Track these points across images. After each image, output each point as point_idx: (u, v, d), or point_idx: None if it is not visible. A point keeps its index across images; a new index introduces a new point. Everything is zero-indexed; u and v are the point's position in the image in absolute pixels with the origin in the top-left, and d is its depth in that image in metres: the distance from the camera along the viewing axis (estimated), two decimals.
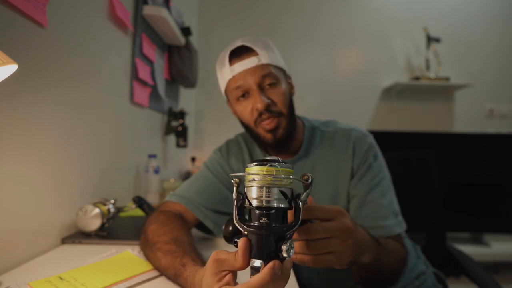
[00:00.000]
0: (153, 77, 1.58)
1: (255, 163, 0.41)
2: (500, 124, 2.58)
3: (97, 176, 1.07)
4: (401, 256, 0.75)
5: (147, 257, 0.65)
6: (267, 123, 0.78)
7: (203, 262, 0.55)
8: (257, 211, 0.41)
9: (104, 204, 0.88)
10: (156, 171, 1.45)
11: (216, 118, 2.61)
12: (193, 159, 2.29)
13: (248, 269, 0.41)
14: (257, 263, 0.40)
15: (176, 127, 1.88)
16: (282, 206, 0.41)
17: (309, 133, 0.88)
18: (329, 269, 0.85)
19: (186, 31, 1.86)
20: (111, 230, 0.90)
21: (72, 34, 0.90)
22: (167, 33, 1.65)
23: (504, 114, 2.59)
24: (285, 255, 0.39)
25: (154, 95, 1.63)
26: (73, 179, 0.92)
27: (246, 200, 0.43)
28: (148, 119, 1.60)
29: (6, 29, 0.66)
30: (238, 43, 0.80)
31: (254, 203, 0.41)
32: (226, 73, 0.80)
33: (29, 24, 0.72)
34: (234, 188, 0.43)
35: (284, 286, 0.40)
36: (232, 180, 0.44)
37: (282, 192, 0.41)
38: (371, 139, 0.85)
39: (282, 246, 0.40)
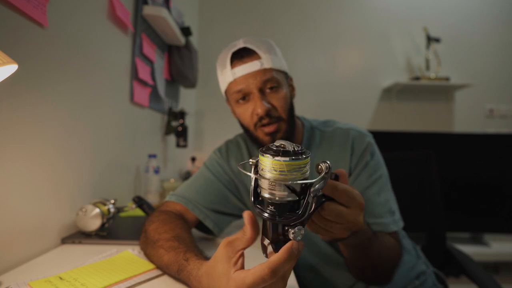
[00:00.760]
0: (153, 77, 1.58)
1: (264, 152, 0.40)
2: (500, 124, 2.58)
3: (97, 176, 1.07)
4: (396, 251, 0.74)
5: (148, 255, 0.65)
6: (267, 128, 0.78)
7: (206, 258, 0.55)
8: (265, 199, 0.42)
9: (104, 204, 0.88)
10: (156, 171, 1.45)
11: (216, 118, 2.61)
12: (193, 159, 2.29)
13: (255, 256, 0.46)
14: (266, 241, 0.44)
15: (176, 127, 1.88)
16: (288, 199, 0.41)
17: (308, 133, 0.88)
18: (329, 270, 0.85)
19: (186, 31, 1.86)
20: (111, 230, 0.90)
21: (72, 34, 0.90)
22: (167, 33, 1.65)
23: (504, 114, 2.59)
24: (291, 238, 0.41)
25: (154, 95, 1.63)
26: (73, 179, 0.92)
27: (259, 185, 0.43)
28: (148, 119, 1.60)
29: (6, 29, 0.65)
30: (240, 44, 0.79)
31: (263, 192, 0.42)
32: (227, 75, 0.79)
33: (29, 24, 0.72)
34: (252, 169, 0.44)
35: (292, 266, 0.43)
36: (249, 162, 0.44)
37: (288, 187, 0.40)
38: (369, 138, 0.85)
39: (289, 232, 0.41)
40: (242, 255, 0.45)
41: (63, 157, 0.87)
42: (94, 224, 0.85)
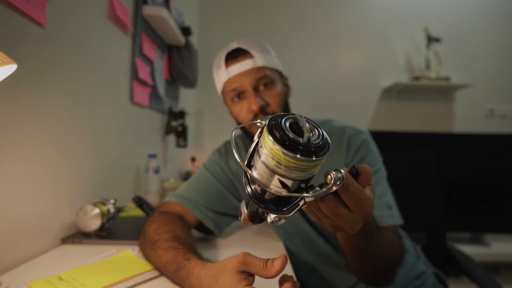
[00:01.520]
0: (153, 77, 1.58)
1: (270, 131, 0.32)
2: (501, 124, 2.57)
3: (97, 176, 1.07)
4: (397, 247, 0.71)
5: (147, 256, 0.65)
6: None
7: (206, 260, 0.55)
8: (254, 178, 0.36)
9: (104, 204, 0.88)
10: (156, 171, 1.45)
11: (216, 118, 2.61)
12: (193, 159, 2.29)
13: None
14: (244, 208, 0.42)
15: (176, 127, 1.88)
16: (277, 193, 0.34)
17: None
18: (329, 270, 0.85)
19: (186, 31, 1.86)
20: (111, 230, 0.90)
21: (72, 34, 0.90)
22: (167, 33, 1.65)
23: (504, 114, 2.59)
24: (268, 222, 0.39)
25: (154, 95, 1.63)
26: (73, 179, 0.92)
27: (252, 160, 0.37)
28: (148, 119, 1.60)
29: (6, 29, 0.65)
30: (234, 45, 0.82)
31: (254, 169, 0.35)
32: (222, 75, 0.82)
33: (29, 24, 0.72)
34: (258, 131, 0.38)
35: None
36: (258, 123, 0.37)
37: (282, 183, 0.33)
38: (365, 135, 0.86)
39: (269, 216, 0.38)
40: (253, 280, 0.46)
41: (63, 157, 0.87)
42: (94, 224, 0.84)
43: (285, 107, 0.84)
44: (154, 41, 1.60)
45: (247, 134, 0.86)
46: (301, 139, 0.31)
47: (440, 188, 1.23)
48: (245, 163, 0.38)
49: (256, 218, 0.41)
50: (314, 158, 0.31)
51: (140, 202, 0.99)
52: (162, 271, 0.60)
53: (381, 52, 2.64)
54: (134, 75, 1.36)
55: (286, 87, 0.88)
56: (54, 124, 0.82)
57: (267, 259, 0.44)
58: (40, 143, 0.77)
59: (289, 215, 0.36)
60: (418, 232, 1.23)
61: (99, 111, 1.07)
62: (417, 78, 2.49)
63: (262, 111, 0.79)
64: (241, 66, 0.79)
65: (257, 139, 0.36)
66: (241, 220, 0.43)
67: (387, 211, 0.76)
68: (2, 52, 0.47)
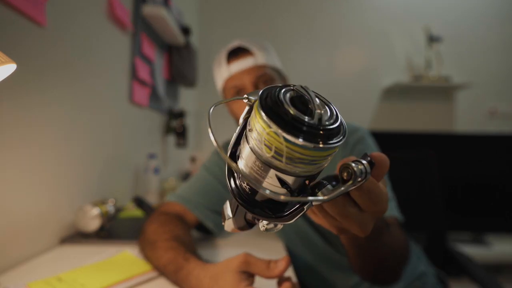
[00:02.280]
0: (152, 77, 1.58)
1: (263, 106, 0.23)
2: (502, 124, 2.57)
3: (97, 176, 1.06)
4: (403, 242, 0.67)
5: (146, 256, 0.65)
6: None
7: (206, 261, 0.55)
8: (243, 173, 0.26)
9: (104, 204, 0.88)
10: (156, 171, 1.45)
11: (216, 118, 2.59)
12: (193, 159, 2.28)
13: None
14: (228, 211, 0.34)
15: (176, 127, 1.88)
16: (274, 197, 0.25)
17: None
18: (329, 270, 0.84)
19: (186, 31, 1.86)
20: (111, 231, 0.90)
21: (71, 33, 0.89)
22: (167, 32, 1.65)
23: (506, 113, 2.59)
24: (260, 229, 0.30)
25: (154, 95, 1.62)
26: (72, 179, 0.92)
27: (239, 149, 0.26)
28: (147, 119, 1.60)
29: (5, 28, 0.65)
30: (236, 44, 0.84)
31: (241, 161, 0.26)
32: (223, 72, 0.83)
33: (28, 23, 0.71)
34: (245, 109, 0.30)
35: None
36: (244, 99, 0.29)
37: (280, 180, 0.24)
38: (362, 132, 0.85)
39: (259, 221, 0.29)
40: (253, 281, 0.46)
41: (63, 156, 0.86)
42: (93, 224, 0.84)
43: None
44: (154, 40, 1.60)
45: None
46: (309, 118, 0.22)
47: (440, 188, 1.23)
48: (228, 153, 0.28)
49: (244, 224, 0.32)
50: (330, 146, 0.22)
51: (139, 202, 0.99)
52: (161, 271, 0.60)
53: (381, 52, 2.64)
54: (134, 74, 1.36)
55: None
56: (53, 124, 0.82)
57: (270, 260, 0.44)
58: (39, 143, 0.77)
59: (291, 221, 0.27)
60: (418, 232, 1.23)
61: (98, 110, 1.07)
62: (417, 78, 2.49)
63: None
64: (242, 64, 0.80)
65: (243, 121, 0.28)
66: (225, 226, 0.34)
67: (389, 203, 0.73)
68: (1, 52, 0.47)
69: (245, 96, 0.27)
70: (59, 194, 0.85)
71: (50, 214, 0.81)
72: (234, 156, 0.28)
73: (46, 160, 0.79)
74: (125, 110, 1.32)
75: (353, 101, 2.63)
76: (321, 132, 0.22)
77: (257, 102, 0.23)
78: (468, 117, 2.61)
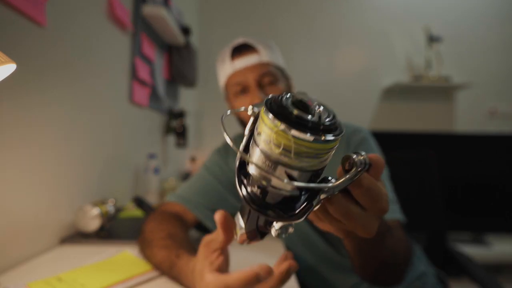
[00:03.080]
0: (152, 77, 1.58)
1: (270, 109, 0.25)
2: (502, 124, 2.57)
3: (97, 176, 1.06)
4: (406, 244, 0.67)
5: (145, 255, 0.65)
6: None
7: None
8: (253, 177, 0.29)
9: (104, 204, 0.88)
10: (156, 171, 1.45)
11: (216, 118, 2.60)
12: (193, 159, 2.28)
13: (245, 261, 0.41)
14: (241, 222, 0.34)
15: (176, 127, 1.88)
16: (282, 190, 0.28)
17: None
18: (329, 270, 0.84)
19: (186, 31, 1.86)
20: (111, 230, 0.90)
21: (71, 33, 0.89)
22: (166, 32, 1.65)
23: (506, 113, 2.59)
24: (273, 235, 0.31)
25: (154, 95, 1.62)
26: (72, 179, 0.92)
27: (249, 153, 0.29)
28: (147, 119, 1.60)
29: (5, 28, 0.65)
30: (241, 40, 0.83)
31: (251, 168, 0.28)
32: (227, 68, 0.82)
33: (28, 23, 0.71)
34: (251, 120, 0.32)
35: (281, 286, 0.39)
36: (249, 110, 0.31)
37: (290, 176, 0.26)
38: (364, 133, 0.85)
39: (272, 227, 0.30)
40: (220, 254, 0.44)
41: (62, 156, 0.86)
42: (93, 224, 0.84)
43: None
44: (154, 40, 1.60)
45: None
46: (310, 116, 0.25)
47: (440, 188, 1.23)
48: (237, 162, 0.31)
49: (256, 233, 0.33)
50: (332, 139, 0.25)
51: (139, 202, 0.99)
52: (158, 269, 0.60)
53: (381, 52, 2.64)
54: (134, 74, 1.36)
55: (289, 86, 0.87)
56: (53, 124, 0.82)
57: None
58: (39, 143, 0.77)
59: (302, 219, 0.28)
60: (418, 232, 1.22)
61: (98, 110, 1.07)
62: (417, 78, 2.49)
63: None
64: (247, 60, 0.80)
65: (248, 132, 0.30)
66: (237, 239, 0.35)
67: (391, 205, 0.73)
68: (1, 52, 0.47)
69: (250, 106, 0.30)
70: (59, 194, 0.85)
71: (50, 214, 0.81)
72: (244, 164, 0.30)
73: (46, 160, 0.79)
74: (125, 110, 1.32)
75: (353, 101, 2.63)
76: (322, 127, 0.25)
77: (263, 109, 0.26)
78: (468, 117, 2.61)
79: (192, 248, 0.60)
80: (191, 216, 0.79)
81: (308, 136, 0.24)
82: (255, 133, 0.27)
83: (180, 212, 0.79)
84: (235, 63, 0.81)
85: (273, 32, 2.62)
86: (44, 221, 0.79)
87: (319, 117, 0.25)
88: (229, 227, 0.42)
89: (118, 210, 0.94)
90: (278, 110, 0.25)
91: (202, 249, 0.45)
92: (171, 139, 1.97)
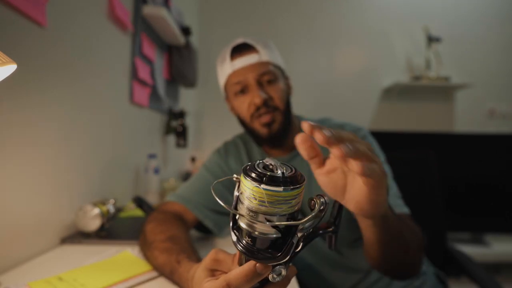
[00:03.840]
0: (153, 77, 1.58)
1: (246, 174, 0.33)
2: (502, 124, 2.57)
3: (97, 176, 1.07)
4: (419, 234, 0.67)
5: (145, 256, 0.65)
6: (263, 118, 0.80)
7: (198, 259, 0.55)
8: (242, 229, 0.36)
9: (104, 204, 0.88)
10: (156, 171, 1.45)
11: (216, 118, 2.60)
12: (193, 159, 2.28)
13: None
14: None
15: (176, 127, 1.88)
16: (267, 235, 0.34)
17: None
18: (329, 270, 0.84)
19: (186, 31, 1.86)
20: (111, 230, 0.90)
21: (72, 34, 0.89)
22: (167, 33, 1.65)
23: (505, 114, 2.59)
24: (270, 279, 0.36)
25: (154, 95, 1.63)
26: (73, 179, 0.92)
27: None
28: (147, 119, 1.60)
29: (5, 28, 0.65)
30: (240, 40, 0.83)
31: (240, 219, 0.36)
32: (226, 68, 0.82)
33: (28, 24, 0.72)
34: (236, 186, 0.38)
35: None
36: (234, 178, 0.39)
37: (269, 220, 0.33)
38: (363, 131, 0.86)
39: (269, 276, 0.36)
40: (223, 273, 0.43)
41: (63, 157, 0.86)
42: (93, 224, 0.84)
43: (287, 105, 0.84)
44: (154, 41, 1.60)
45: (247, 130, 0.86)
46: (277, 172, 0.33)
47: (440, 188, 1.23)
48: (231, 220, 0.38)
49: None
50: (293, 187, 0.32)
51: (140, 202, 0.99)
52: (159, 271, 0.60)
53: (381, 52, 2.64)
54: (134, 75, 1.36)
55: (288, 86, 0.88)
56: (53, 124, 0.82)
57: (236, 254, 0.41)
58: (40, 143, 0.77)
59: (286, 258, 0.34)
60: None
61: (98, 110, 1.07)
62: (417, 78, 2.49)
63: (266, 105, 0.79)
64: (246, 60, 0.80)
65: (236, 193, 0.37)
66: None
67: (397, 200, 0.75)
68: (1, 52, 0.47)
69: (234, 176, 0.38)
70: (59, 194, 0.85)
71: (50, 214, 0.82)
72: (236, 222, 0.37)
73: (46, 160, 0.79)
74: (125, 110, 1.32)
75: (353, 101, 2.63)
76: (289, 179, 0.32)
77: (242, 175, 0.34)
78: (467, 117, 2.61)
79: (193, 251, 0.60)
80: (191, 216, 0.80)
81: (279, 188, 0.31)
82: (239, 194, 0.35)
83: (180, 212, 0.79)
84: (235, 62, 0.81)
85: (273, 32, 2.62)
86: (45, 221, 0.79)
87: (283, 173, 0.33)
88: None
89: (118, 210, 0.95)
90: (251, 173, 0.33)
91: (208, 262, 0.43)
92: (171, 139, 1.98)
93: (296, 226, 0.34)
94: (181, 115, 1.89)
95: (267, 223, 0.33)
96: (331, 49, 2.65)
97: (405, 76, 2.62)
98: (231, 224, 0.37)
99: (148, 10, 1.41)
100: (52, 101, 0.81)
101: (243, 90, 0.82)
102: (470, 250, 1.98)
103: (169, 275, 0.56)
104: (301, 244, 0.35)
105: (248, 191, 0.32)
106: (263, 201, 0.32)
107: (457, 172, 2.20)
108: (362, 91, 2.63)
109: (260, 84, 0.80)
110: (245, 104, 0.81)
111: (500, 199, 2.20)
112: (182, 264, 0.53)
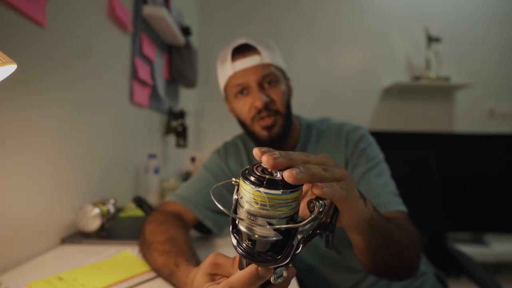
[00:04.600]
0: (153, 77, 1.58)
1: (245, 178, 0.33)
2: (501, 124, 2.57)
3: (97, 176, 1.07)
4: (414, 234, 0.66)
5: (144, 257, 0.65)
6: (264, 121, 0.80)
7: (197, 262, 0.55)
8: (242, 232, 0.36)
9: (104, 204, 0.88)
10: (156, 171, 1.45)
11: (216, 118, 2.60)
12: (193, 159, 2.28)
13: None
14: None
15: (176, 127, 1.88)
16: (268, 238, 0.34)
17: (306, 132, 0.89)
18: (329, 270, 0.85)
19: (186, 31, 1.86)
20: (111, 230, 0.90)
21: (72, 34, 0.90)
22: (167, 33, 1.65)
23: (505, 114, 2.59)
24: (272, 282, 0.36)
25: (154, 95, 1.63)
26: (73, 179, 0.92)
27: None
28: (147, 119, 1.60)
29: (5, 28, 0.65)
30: (241, 41, 0.81)
31: (240, 223, 0.36)
32: (227, 69, 0.81)
33: (28, 24, 0.72)
34: (235, 189, 0.38)
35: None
36: (232, 182, 0.39)
37: (270, 224, 0.33)
38: (362, 130, 0.86)
39: (270, 278, 0.36)
40: (223, 277, 0.42)
41: (63, 157, 0.86)
42: (93, 224, 0.84)
43: (288, 107, 0.84)
44: (154, 41, 1.60)
45: (249, 134, 0.86)
46: (276, 176, 0.33)
47: (440, 188, 1.23)
48: (231, 224, 0.38)
49: None
50: (292, 190, 0.32)
51: (140, 202, 0.99)
52: (158, 272, 0.60)
53: (381, 52, 2.64)
54: (134, 75, 1.36)
55: (289, 87, 0.87)
56: (53, 124, 0.82)
57: (235, 257, 0.41)
58: (40, 143, 0.77)
59: (287, 260, 0.35)
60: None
61: (98, 110, 1.07)
62: (417, 78, 2.49)
63: (267, 108, 0.79)
64: (248, 62, 0.79)
65: (235, 197, 0.37)
66: None
67: (393, 198, 0.73)
68: (1, 52, 0.47)
69: (233, 179, 0.38)
70: (59, 194, 0.85)
71: (50, 214, 0.82)
72: (236, 225, 0.37)
73: (46, 160, 0.79)
74: (125, 110, 1.32)
75: (353, 101, 2.63)
76: (285, 182, 0.32)
77: (241, 179, 0.34)
78: (467, 117, 2.61)
79: (192, 253, 0.59)
80: (191, 216, 0.80)
81: (278, 191, 0.32)
82: (239, 198, 0.35)
83: (180, 212, 0.79)
84: (236, 64, 0.79)
85: (273, 32, 2.62)
86: (45, 221, 0.79)
87: (282, 176, 0.32)
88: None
89: (118, 210, 0.95)
90: (250, 177, 0.33)
91: (207, 266, 0.42)
92: (171, 139, 1.98)
93: (297, 228, 0.35)
94: (181, 115, 1.89)
95: (268, 226, 0.33)
96: (331, 49, 2.65)
97: (405, 76, 2.62)
98: (230, 228, 0.37)
99: (148, 10, 1.41)
100: (52, 101, 0.81)
101: (244, 92, 0.81)
102: (470, 250, 1.98)
103: (168, 278, 0.56)
104: (301, 245, 0.36)
105: (248, 195, 0.33)
106: (265, 205, 0.32)
107: (457, 172, 2.20)
108: (362, 91, 2.63)
109: (261, 86, 0.79)
110: (246, 107, 0.81)
111: (500, 199, 2.20)
112: (181, 268, 0.53)
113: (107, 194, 1.10)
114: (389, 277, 0.65)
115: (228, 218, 0.87)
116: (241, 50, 0.80)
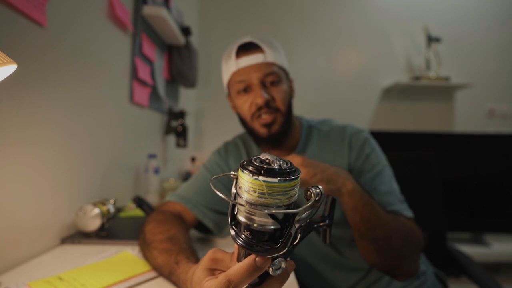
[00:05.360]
0: (153, 77, 1.58)
1: (244, 168, 0.34)
2: (501, 124, 2.57)
3: (97, 176, 1.07)
4: (415, 233, 0.70)
5: (145, 256, 0.65)
6: (263, 118, 0.80)
7: (197, 260, 0.55)
8: (241, 223, 0.36)
9: (104, 204, 0.88)
10: (156, 171, 1.45)
11: (216, 118, 2.60)
12: (193, 159, 2.29)
13: None
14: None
15: (176, 127, 1.88)
16: (266, 226, 0.35)
17: (306, 132, 0.89)
18: (328, 269, 0.85)
19: (186, 31, 1.86)
20: (111, 230, 0.90)
21: (72, 34, 0.90)
22: (167, 33, 1.65)
23: (504, 114, 2.59)
24: (271, 273, 0.36)
25: (154, 95, 1.63)
26: (73, 179, 0.92)
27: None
28: (148, 119, 1.60)
29: (6, 28, 0.65)
30: (247, 39, 0.82)
31: (239, 214, 0.36)
32: (231, 65, 0.82)
33: (28, 24, 0.72)
34: (234, 182, 0.38)
35: (281, 286, 0.39)
36: (231, 175, 0.39)
37: (269, 215, 0.34)
38: (366, 134, 0.87)
39: (269, 270, 0.36)
40: (222, 272, 0.43)
41: (63, 157, 0.86)
42: (93, 224, 0.84)
43: (289, 106, 0.84)
44: (154, 41, 1.60)
45: (247, 129, 0.86)
46: (274, 165, 0.34)
47: (440, 188, 1.23)
48: (229, 216, 0.38)
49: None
50: (291, 178, 0.33)
51: (140, 202, 0.99)
52: (158, 271, 0.61)
53: (381, 52, 2.64)
54: (134, 75, 1.36)
55: (291, 88, 0.88)
56: (53, 124, 0.82)
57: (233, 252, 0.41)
58: (40, 143, 0.77)
59: (285, 249, 0.35)
60: None
61: (98, 111, 1.07)
62: (417, 78, 2.49)
63: (267, 105, 0.79)
64: (252, 59, 0.80)
65: (234, 190, 0.37)
66: None
67: (400, 205, 0.77)
68: (1, 52, 0.47)
69: (232, 172, 0.38)
70: (59, 194, 0.85)
71: (51, 214, 0.82)
72: (234, 217, 0.38)
73: (46, 160, 0.79)
74: (126, 110, 1.32)
75: (353, 101, 2.63)
76: (283, 171, 0.34)
77: (239, 169, 0.35)
78: (467, 117, 2.61)
79: (192, 252, 0.60)
80: (191, 216, 0.80)
81: (276, 179, 0.33)
82: (237, 188, 0.36)
83: (180, 212, 0.79)
84: (240, 61, 0.80)
85: (273, 32, 2.62)
86: (45, 221, 0.79)
87: (280, 166, 0.34)
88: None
89: (118, 210, 0.95)
90: (249, 166, 0.34)
91: (206, 261, 0.43)
92: (171, 139, 1.98)
93: (294, 216, 0.35)
94: (181, 115, 1.89)
95: (266, 211, 0.34)
96: (331, 49, 2.65)
97: (405, 76, 2.62)
98: (229, 220, 0.38)
99: (148, 10, 1.41)
100: (52, 101, 0.81)
101: (246, 89, 0.81)
102: (470, 250, 1.99)
103: (168, 276, 0.56)
104: (298, 236, 0.36)
105: (247, 184, 0.33)
106: (263, 193, 0.33)
107: (457, 172, 2.20)
108: (362, 91, 2.63)
109: (263, 84, 0.80)
110: (247, 103, 0.81)
111: (500, 199, 2.20)
112: (181, 265, 0.53)
113: (107, 194, 1.10)
114: (389, 270, 0.67)
115: (228, 218, 0.87)
116: (246, 48, 0.81)
